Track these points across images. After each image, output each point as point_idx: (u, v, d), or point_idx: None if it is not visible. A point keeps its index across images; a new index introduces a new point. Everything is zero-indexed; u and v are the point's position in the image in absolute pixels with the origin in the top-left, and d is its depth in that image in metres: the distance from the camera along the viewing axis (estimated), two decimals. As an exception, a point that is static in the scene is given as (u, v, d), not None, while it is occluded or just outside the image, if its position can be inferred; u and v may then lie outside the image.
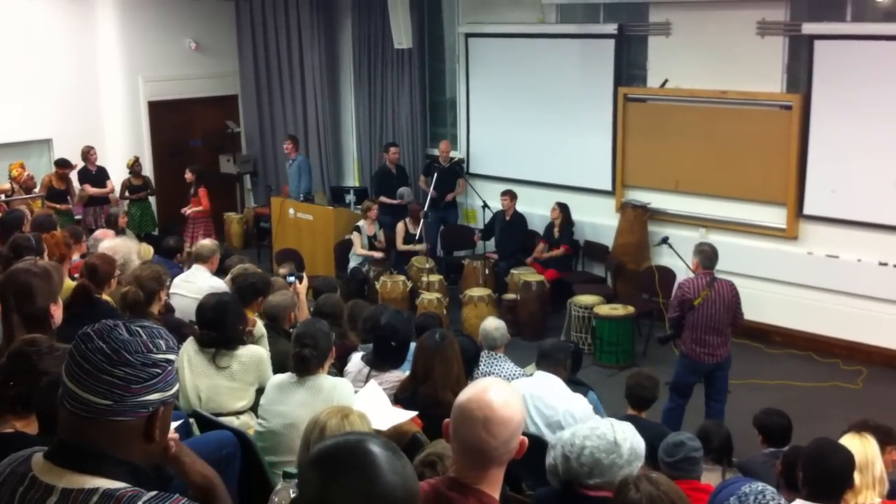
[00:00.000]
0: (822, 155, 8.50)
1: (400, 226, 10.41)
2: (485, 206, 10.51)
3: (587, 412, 4.68)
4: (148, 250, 7.46)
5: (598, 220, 10.08)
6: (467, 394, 2.16)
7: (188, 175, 11.33)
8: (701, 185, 9.30)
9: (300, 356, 4.03)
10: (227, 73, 12.96)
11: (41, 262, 4.40)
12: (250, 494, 3.62)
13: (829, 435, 3.88)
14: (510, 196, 10.12)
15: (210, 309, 4.55)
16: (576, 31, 10.26)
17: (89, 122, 11.54)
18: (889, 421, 4.41)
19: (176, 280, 6.38)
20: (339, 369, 4.84)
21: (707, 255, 6.64)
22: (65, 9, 11.32)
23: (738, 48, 8.84)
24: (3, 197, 9.81)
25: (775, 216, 8.89)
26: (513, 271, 9.61)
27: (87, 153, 10.94)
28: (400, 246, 10.35)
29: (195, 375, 4.45)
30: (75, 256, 6.33)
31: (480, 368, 5.35)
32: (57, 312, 3.74)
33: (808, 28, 8.39)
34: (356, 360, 4.90)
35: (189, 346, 4.52)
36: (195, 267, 6.50)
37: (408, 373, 4.62)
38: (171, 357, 1.77)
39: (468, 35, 11.14)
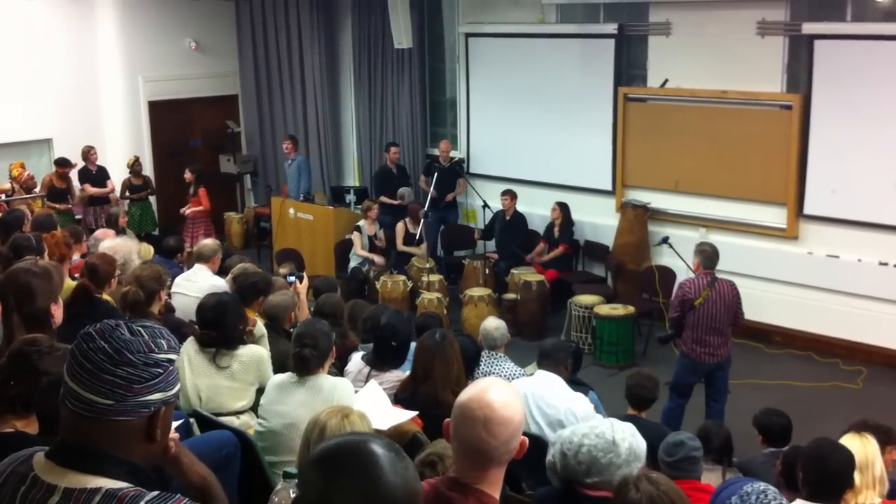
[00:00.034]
0: (822, 155, 8.50)
1: (400, 226, 10.41)
2: (485, 205, 10.51)
3: (588, 411, 4.69)
4: (148, 250, 7.46)
5: (599, 220, 10.08)
6: (468, 394, 2.16)
7: (187, 175, 11.33)
8: (701, 185, 9.30)
9: (300, 356, 4.03)
10: (227, 73, 12.96)
11: (41, 261, 4.40)
12: (250, 494, 3.62)
13: (829, 435, 3.88)
14: (510, 196, 10.13)
15: (210, 309, 4.55)
16: (576, 30, 10.26)
17: (89, 122, 11.55)
18: (889, 421, 4.41)
19: (177, 279, 6.40)
20: (339, 369, 4.85)
21: (708, 255, 6.64)
22: (65, 9, 11.32)
23: (738, 48, 8.84)
24: (3, 197, 9.82)
25: (775, 216, 8.89)
26: (513, 271, 9.61)
27: (88, 153, 10.95)
28: (400, 246, 10.35)
29: (195, 375, 4.45)
30: (75, 256, 6.33)
31: (481, 368, 5.35)
32: (57, 312, 3.75)
33: (808, 28, 8.39)
34: (356, 360, 4.90)
35: (189, 345, 4.52)
36: (197, 266, 6.52)
37: (408, 373, 4.62)
38: (173, 357, 1.77)
39: (468, 35, 11.14)
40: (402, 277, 9.64)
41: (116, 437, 1.70)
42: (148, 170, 11.92)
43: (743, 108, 8.92)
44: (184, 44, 12.37)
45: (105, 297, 5.08)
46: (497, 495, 2.15)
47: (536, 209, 10.33)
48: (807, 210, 8.71)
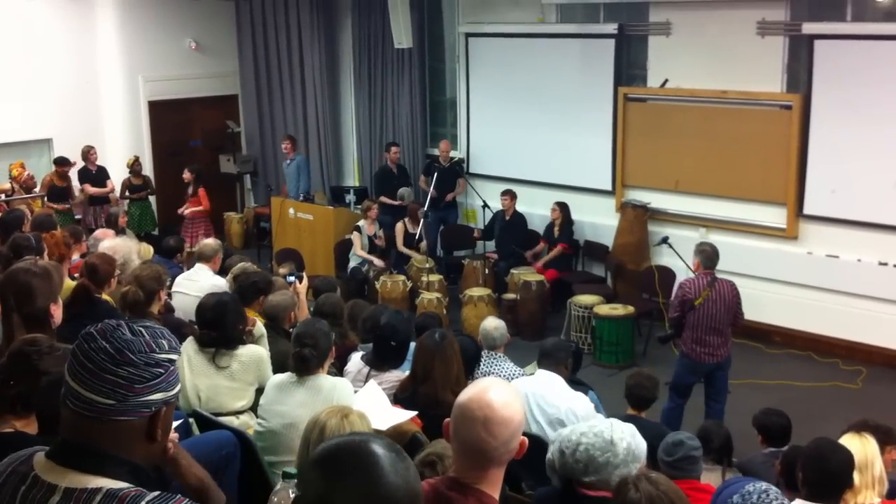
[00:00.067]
0: (822, 155, 8.50)
1: (399, 226, 10.40)
2: (485, 205, 10.51)
3: (589, 410, 4.69)
4: (148, 250, 7.47)
5: (598, 220, 10.08)
6: (468, 394, 2.16)
7: (186, 175, 11.33)
8: (701, 184, 9.30)
9: (300, 356, 4.03)
10: (227, 73, 12.96)
11: (41, 261, 4.40)
12: (250, 494, 3.62)
13: (828, 435, 3.88)
14: (510, 196, 10.13)
15: (210, 309, 4.55)
16: (576, 30, 10.26)
17: (89, 122, 11.55)
18: (889, 421, 4.41)
19: (178, 279, 6.43)
20: (338, 369, 4.85)
21: (708, 255, 6.64)
22: (65, 9, 11.32)
23: (738, 48, 8.84)
24: (3, 196, 9.82)
25: (775, 216, 8.90)
26: (513, 271, 9.61)
27: (87, 153, 10.95)
28: (401, 247, 10.35)
29: (195, 375, 4.45)
30: (75, 256, 6.33)
31: (480, 368, 5.35)
32: (57, 312, 3.75)
33: (808, 28, 8.39)
34: (356, 360, 4.90)
35: (189, 345, 4.52)
36: (198, 266, 6.56)
37: (407, 373, 4.62)
38: (174, 357, 1.78)
39: (468, 35, 11.14)
40: (402, 277, 9.64)
41: (117, 437, 1.70)
42: (148, 170, 11.91)
43: (743, 108, 8.92)
44: (184, 44, 12.37)
45: (105, 297, 5.08)
46: (497, 495, 2.15)
47: (536, 209, 10.33)
48: (807, 210, 8.71)
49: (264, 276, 5.75)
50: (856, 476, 3.63)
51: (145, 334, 1.74)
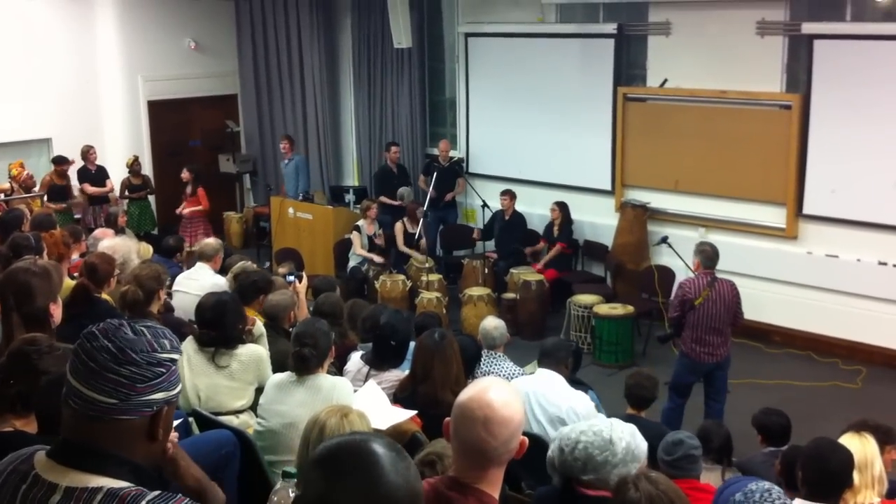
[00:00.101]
0: (822, 155, 8.50)
1: (398, 225, 10.40)
2: (484, 205, 10.51)
3: (590, 409, 4.70)
4: (147, 249, 7.46)
5: (598, 220, 10.08)
6: (468, 393, 2.16)
7: (185, 175, 11.34)
8: (701, 184, 9.30)
9: (300, 355, 4.03)
10: (226, 73, 12.96)
11: (41, 261, 4.40)
12: (250, 494, 3.62)
13: (828, 434, 3.89)
14: (509, 196, 10.13)
15: (209, 308, 4.55)
16: (575, 30, 10.26)
17: (89, 122, 11.54)
18: (888, 421, 4.41)
19: (179, 278, 6.45)
20: (338, 368, 4.85)
21: (708, 255, 6.64)
22: (65, 9, 11.32)
23: (737, 48, 8.84)
24: (2, 196, 9.81)
25: (775, 216, 8.90)
26: (512, 271, 9.61)
27: (87, 152, 10.94)
28: (401, 247, 10.35)
29: (195, 374, 4.45)
30: (75, 255, 6.34)
31: (480, 368, 5.35)
32: (56, 312, 3.75)
33: (808, 28, 8.40)
34: (356, 360, 4.90)
35: (188, 345, 4.52)
36: (199, 265, 6.59)
37: (407, 372, 4.62)
38: (176, 357, 1.78)
39: (468, 35, 11.14)
40: (402, 277, 9.64)
41: (119, 436, 1.71)
42: (147, 169, 11.91)
43: (742, 107, 8.93)
44: (183, 43, 12.37)
45: (104, 296, 5.08)
46: (497, 495, 2.15)
47: (536, 209, 10.33)
48: (806, 210, 8.71)
49: (264, 276, 5.76)
50: (855, 476, 3.63)
51: (147, 334, 1.75)
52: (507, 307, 9.18)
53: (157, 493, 1.67)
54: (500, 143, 11.00)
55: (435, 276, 9.61)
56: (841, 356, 8.48)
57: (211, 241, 6.93)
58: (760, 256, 8.89)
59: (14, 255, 5.26)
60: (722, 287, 6.56)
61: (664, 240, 8.71)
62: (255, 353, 4.56)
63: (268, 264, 10.30)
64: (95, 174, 11.01)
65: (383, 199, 10.88)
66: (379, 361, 4.78)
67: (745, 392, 7.41)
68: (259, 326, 4.99)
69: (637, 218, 9.60)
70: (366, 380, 4.56)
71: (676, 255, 8.45)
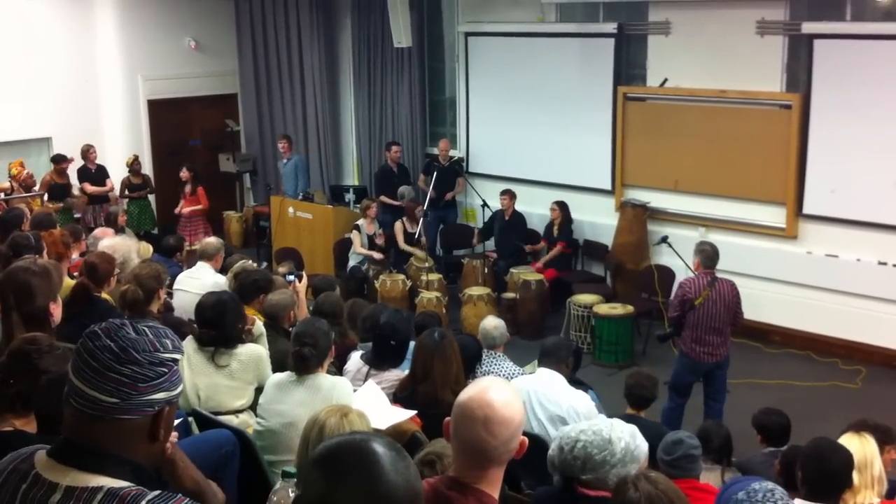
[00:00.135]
0: (822, 154, 8.50)
1: (398, 225, 10.40)
2: (484, 205, 10.51)
3: (591, 409, 4.70)
4: (147, 249, 7.46)
5: (598, 220, 10.08)
6: (468, 393, 2.16)
7: (184, 174, 11.35)
8: (700, 184, 9.30)
9: (299, 355, 4.03)
10: (226, 72, 12.96)
11: (40, 260, 4.40)
12: (249, 493, 3.62)
13: (827, 434, 3.89)
14: (509, 195, 10.12)
15: (209, 308, 4.55)
16: (575, 30, 10.26)
17: (89, 121, 11.54)
18: (888, 420, 4.41)
19: (180, 277, 6.46)
20: (338, 368, 4.85)
21: (708, 255, 6.64)
22: (65, 8, 11.32)
23: (737, 47, 8.84)
24: (2, 195, 9.81)
25: (775, 216, 8.90)
26: (512, 270, 9.61)
27: (87, 152, 10.95)
28: (402, 245, 10.35)
29: (194, 374, 4.45)
30: (75, 255, 6.34)
31: (481, 368, 5.35)
32: (56, 311, 3.75)
33: (808, 27, 8.40)
34: (355, 359, 4.90)
35: (188, 344, 4.52)
36: (200, 264, 6.61)
37: (407, 372, 4.62)
38: (177, 357, 1.79)
39: (468, 34, 11.14)
40: (402, 276, 9.63)
41: (120, 436, 1.71)
42: (147, 169, 11.92)
43: (742, 107, 8.92)
44: (183, 43, 12.36)
45: (104, 295, 5.08)
46: (496, 495, 2.15)
47: (536, 209, 10.33)
48: (806, 210, 8.71)
49: (265, 275, 5.76)
50: (855, 476, 3.63)
51: (149, 334, 1.75)
52: (507, 307, 9.18)
53: (157, 492, 1.67)
54: (499, 143, 11.00)
55: (435, 276, 9.61)
56: (840, 356, 8.48)
57: (212, 241, 6.94)
58: (760, 256, 8.89)
59: (14, 255, 5.26)
60: (722, 287, 6.56)
61: (664, 239, 8.71)
62: (254, 352, 4.56)
63: (265, 264, 10.29)
64: (95, 173, 11.01)
65: (384, 198, 10.88)
66: (379, 361, 4.78)
67: (745, 392, 7.41)
68: (259, 326, 4.99)
69: (637, 217, 9.60)
70: (365, 379, 4.56)
71: (676, 255, 8.44)
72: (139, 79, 12.02)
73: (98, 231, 7.37)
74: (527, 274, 9.42)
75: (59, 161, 10.49)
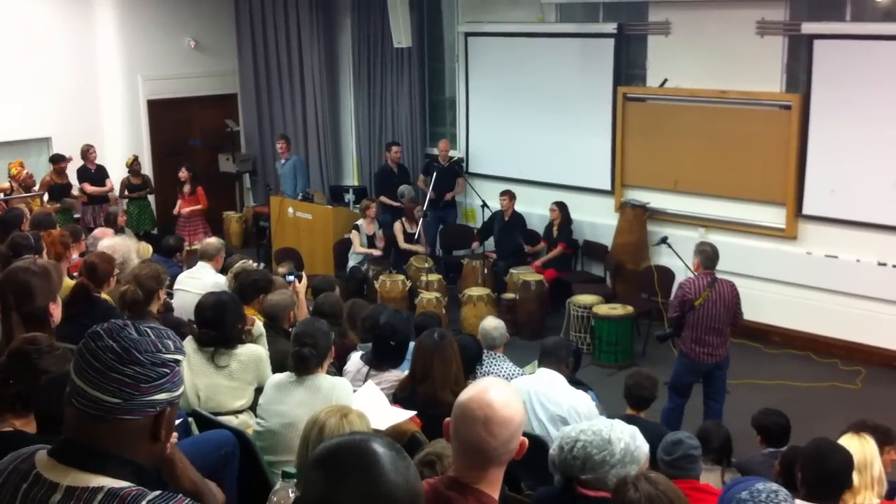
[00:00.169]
0: (822, 155, 8.50)
1: (398, 225, 10.40)
2: (484, 205, 10.51)
3: (591, 409, 4.70)
4: (147, 249, 7.46)
5: (598, 220, 10.08)
6: (468, 393, 2.16)
7: (183, 173, 11.35)
8: (700, 184, 9.30)
9: (299, 355, 4.03)
10: (226, 72, 12.95)
11: (40, 260, 4.40)
12: (249, 494, 3.62)
13: (827, 435, 3.89)
14: (509, 196, 10.12)
15: (209, 308, 4.55)
16: (575, 30, 10.26)
17: (89, 121, 11.54)
18: (888, 421, 4.41)
19: (181, 277, 6.47)
20: (338, 369, 4.85)
21: (708, 256, 6.64)
22: (65, 8, 11.32)
23: (737, 48, 8.84)
24: (2, 195, 9.81)
25: (774, 216, 8.90)
26: (512, 271, 9.61)
27: (87, 152, 10.95)
28: (402, 244, 10.35)
29: (194, 374, 4.45)
30: (74, 255, 6.34)
31: (481, 368, 5.35)
32: (56, 311, 3.75)
33: (808, 28, 8.40)
34: (355, 360, 4.90)
35: (188, 344, 4.52)
36: (200, 264, 6.61)
37: (406, 372, 4.62)
38: (179, 358, 1.79)
39: (468, 34, 11.14)
40: (401, 277, 9.63)
41: (121, 436, 1.71)
42: (147, 169, 11.92)
43: (742, 107, 8.92)
44: (183, 43, 12.36)
45: (104, 296, 5.08)
46: (496, 495, 2.15)
47: (535, 209, 10.33)
48: (806, 210, 8.71)
49: (265, 275, 5.76)
50: (855, 476, 3.63)
51: (151, 334, 1.75)
52: (507, 307, 9.18)
53: (157, 493, 1.68)
54: (499, 143, 11.00)
55: (434, 276, 9.61)
56: (840, 356, 8.48)
57: (213, 241, 6.94)
58: (760, 256, 8.89)
59: (14, 255, 5.25)
60: (722, 287, 6.56)
61: (664, 240, 8.72)
62: (254, 352, 4.56)
63: (263, 265, 10.27)
64: (95, 173, 11.01)
65: (383, 198, 10.88)
66: (378, 361, 4.78)
67: (745, 392, 7.41)
68: (259, 326, 4.99)
69: (637, 218, 9.60)
70: (365, 380, 4.56)
71: (676, 256, 8.45)
72: (139, 79, 12.02)
73: (98, 231, 7.37)
74: (526, 274, 9.42)
75: (58, 161, 10.49)
